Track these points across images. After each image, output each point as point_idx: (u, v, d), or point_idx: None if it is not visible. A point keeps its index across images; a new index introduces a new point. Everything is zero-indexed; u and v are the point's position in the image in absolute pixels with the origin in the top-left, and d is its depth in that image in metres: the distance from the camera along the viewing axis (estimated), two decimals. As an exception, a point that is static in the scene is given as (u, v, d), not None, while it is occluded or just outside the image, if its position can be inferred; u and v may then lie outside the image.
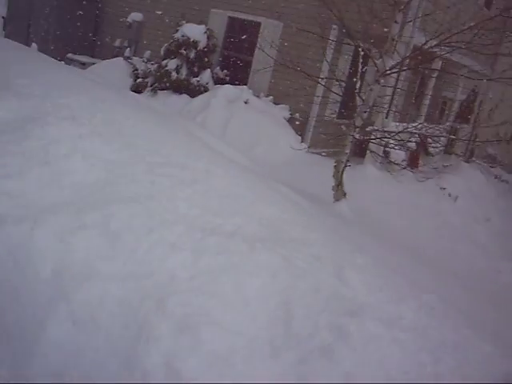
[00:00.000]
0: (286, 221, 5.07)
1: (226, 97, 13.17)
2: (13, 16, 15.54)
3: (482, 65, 14.46)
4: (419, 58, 9.22)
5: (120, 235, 3.42)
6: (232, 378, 2.57)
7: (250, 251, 3.44)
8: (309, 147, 12.72)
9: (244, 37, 14.35)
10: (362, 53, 8.36)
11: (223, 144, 8.54)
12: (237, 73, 14.63)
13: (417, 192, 11.37)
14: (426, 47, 8.28)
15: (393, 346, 2.99)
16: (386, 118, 11.10)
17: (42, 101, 5.16)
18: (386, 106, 10.19)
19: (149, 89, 14.13)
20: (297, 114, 13.44)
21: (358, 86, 8.31)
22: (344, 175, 8.86)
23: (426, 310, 4.23)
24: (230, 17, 14.78)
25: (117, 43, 16.55)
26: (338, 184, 8.78)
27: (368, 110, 8.21)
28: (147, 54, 15.53)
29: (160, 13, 15.47)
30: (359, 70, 8.28)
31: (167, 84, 13.88)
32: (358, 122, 8.18)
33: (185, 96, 13.78)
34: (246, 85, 14.02)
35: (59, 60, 9.94)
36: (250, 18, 14.30)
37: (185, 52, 13.77)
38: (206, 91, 13.81)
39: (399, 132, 8.43)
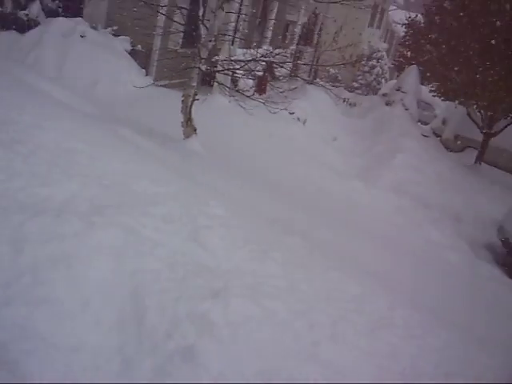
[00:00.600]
0: (130, 174, 4.49)
1: (59, 31, 11.84)
2: None
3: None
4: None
5: None
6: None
7: (85, 231, 2.86)
8: (154, 80, 11.92)
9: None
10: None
11: (58, 87, 7.56)
12: (70, 3, 13.11)
13: (267, 119, 11.21)
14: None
15: (266, 328, 2.67)
16: (232, 45, 10.59)
17: None
18: (231, 33, 9.64)
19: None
20: (139, 46, 12.46)
21: (201, 13, 7.65)
22: (193, 110, 8.36)
23: (291, 256, 4.02)
24: None
25: None
26: (188, 120, 8.26)
27: (213, 39, 7.64)
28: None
29: None
30: (201, -5, 7.61)
31: (-10, 20, 12.03)
32: (204, 53, 7.60)
33: (13, 32, 12.10)
34: (81, 16, 12.71)
35: None
36: None
37: (6, -18, 11.95)
38: (36, 25, 12.27)
39: (247, 61, 8.00)
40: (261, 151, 10.42)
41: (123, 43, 12.56)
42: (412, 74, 17.19)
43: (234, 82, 11.24)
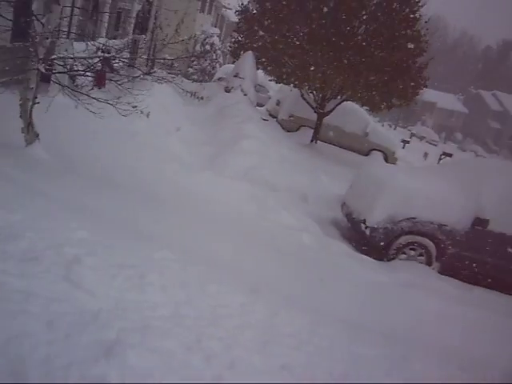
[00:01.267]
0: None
1: None
2: None
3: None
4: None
5: None
6: None
7: None
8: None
9: None
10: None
11: None
12: None
13: (112, 115, 10.66)
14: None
15: (168, 376, 2.46)
16: (68, 39, 9.82)
17: None
18: (66, 27, 8.91)
19: None
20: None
21: (34, 7, 6.91)
22: (33, 114, 7.63)
23: (167, 276, 3.83)
24: None
25: None
26: (28, 125, 7.52)
27: (50, 36, 6.97)
28: None
29: None
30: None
31: None
32: (41, 53, 6.91)
33: None
34: None
35: None
36: None
37: None
38: None
39: (87, 58, 7.46)
40: (108, 150, 9.86)
41: None
42: (248, 59, 17.54)
43: (72, 77, 10.46)
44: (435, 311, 6.16)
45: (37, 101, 7.46)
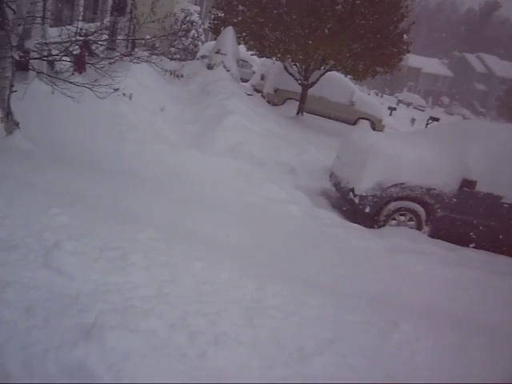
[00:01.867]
0: None
1: None
2: None
3: None
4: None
5: None
6: None
7: None
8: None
9: None
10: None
11: None
12: None
13: (93, 99, 10.52)
14: None
15: (149, 358, 2.42)
16: (43, 24, 9.60)
17: None
18: (40, 13, 8.70)
19: None
20: None
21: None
22: (11, 103, 7.50)
23: (152, 256, 3.80)
24: None
25: None
26: (7, 114, 7.40)
27: (23, 22, 6.81)
28: None
29: None
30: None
31: None
32: (14, 40, 6.76)
33: None
34: None
35: None
36: None
37: None
38: None
39: (64, 42, 7.31)
40: (93, 135, 9.74)
41: None
42: (228, 35, 17.30)
43: (51, 64, 10.26)
44: (425, 274, 6.19)
45: (14, 89, 7.33)
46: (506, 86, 75.46)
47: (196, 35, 26.54)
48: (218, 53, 17.33)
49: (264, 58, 19.58)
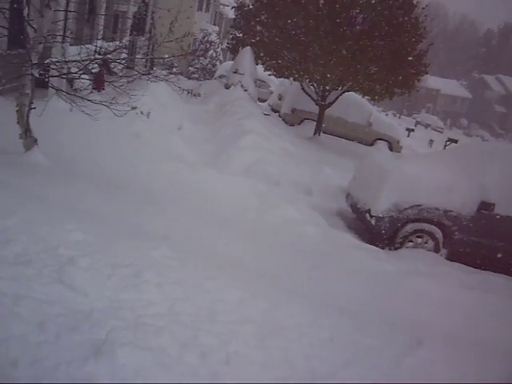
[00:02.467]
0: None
1: None
2: None
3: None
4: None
5: None
6: None
7: None
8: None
9: None
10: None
11: None
12: None
13: (111, 117, 10.65)
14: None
15: (160, 374, 2.39)
16: (63, 43, 9.79)
17: None
18: (61, 31, 8.87)
19: None
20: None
21: (25, 13, 6.88)
22: (30, 119, 7.62)
23: (165, 273, 3.78)
24: None
25: None
26: (26, 131, 7.51)
27: (43, 40, 6.94)
28: None
29: None
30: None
31: None
32: (35, 58, 6.89)
33: None
34: None
35: None
36: None
37: None
38: None
39: (83, 60, 7.44)
40: (109, 153, 9.84)
41: None
42: (246, 55, 17.47)
43: (70, 81, 10.43)
44: (442, 297, 6.08)
45: (33, 106, 7.45)
46: (526, 108, 74.99)
47: (214, 55, 26.83)
48: (235, 72, 17.49)
49: (282, 78, 19.69)
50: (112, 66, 11.15)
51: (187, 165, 11.43)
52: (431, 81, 67.07)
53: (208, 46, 26.15)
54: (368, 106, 19.70)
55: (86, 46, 8.85)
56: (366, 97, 18.46)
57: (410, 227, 8.54)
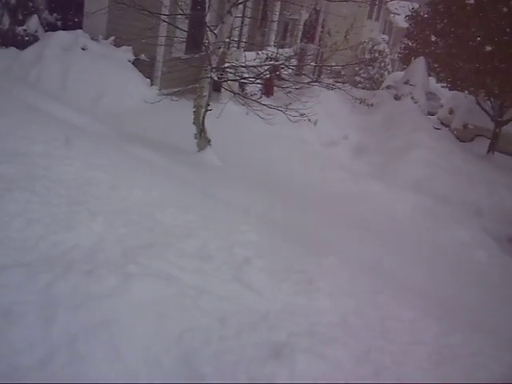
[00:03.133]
0: (154, 203, 4.23)
1: (59, 45, 11.47)
2: None
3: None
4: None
5: None
6: None
7: (121, 286, 2.58)
8: (160, 90, 11.55)
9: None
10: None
11: (62, 106, 7.29)
12: (69, 15, 12.74)
13: (279, 123, 10.91)
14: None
15: None
16: (238, 48, 10.27)
17: None
18: (237, 37, 9.33)
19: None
20: (142, 56, 12.05)
21: (207, 19, 7.31)
22: (206, 120, 8.06)
23: (335, 283, 3.69)
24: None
25: None
26: (201, 131, 7.95)
27: (223, 45, 7.32)
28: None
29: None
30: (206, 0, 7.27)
31: (-13, 38, 11.70)
32: (214, 61, 7.28)
33: (13, 49, 11.71)
34: (80, 28, 12.31)
35: None
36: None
37: (2, -4, 11.63)
38: (36, 41, 11.89)
39: (257, 66, 7.70)
40: (277, 157, 10.08)
41: (126, 53, 12.14)
42: (419, 66, 16.83)
43: (242, 86, 10.89)
44: None
45: (209, 108, 7.84)
46: None
47: (383, 64, 26.31)
48: (406, 83, 16.93)
49: (454, 91, 18.63)
50: (282, 71, 11.40)
51: (352, 175, 11.29)
52: None
53: (377, 55, 25.71)
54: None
55: (261, 51, 9.15)
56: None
57: None
